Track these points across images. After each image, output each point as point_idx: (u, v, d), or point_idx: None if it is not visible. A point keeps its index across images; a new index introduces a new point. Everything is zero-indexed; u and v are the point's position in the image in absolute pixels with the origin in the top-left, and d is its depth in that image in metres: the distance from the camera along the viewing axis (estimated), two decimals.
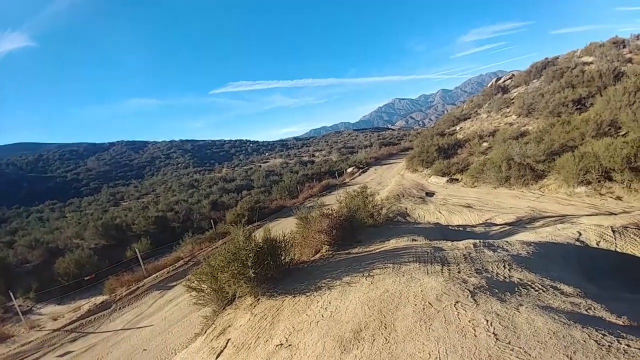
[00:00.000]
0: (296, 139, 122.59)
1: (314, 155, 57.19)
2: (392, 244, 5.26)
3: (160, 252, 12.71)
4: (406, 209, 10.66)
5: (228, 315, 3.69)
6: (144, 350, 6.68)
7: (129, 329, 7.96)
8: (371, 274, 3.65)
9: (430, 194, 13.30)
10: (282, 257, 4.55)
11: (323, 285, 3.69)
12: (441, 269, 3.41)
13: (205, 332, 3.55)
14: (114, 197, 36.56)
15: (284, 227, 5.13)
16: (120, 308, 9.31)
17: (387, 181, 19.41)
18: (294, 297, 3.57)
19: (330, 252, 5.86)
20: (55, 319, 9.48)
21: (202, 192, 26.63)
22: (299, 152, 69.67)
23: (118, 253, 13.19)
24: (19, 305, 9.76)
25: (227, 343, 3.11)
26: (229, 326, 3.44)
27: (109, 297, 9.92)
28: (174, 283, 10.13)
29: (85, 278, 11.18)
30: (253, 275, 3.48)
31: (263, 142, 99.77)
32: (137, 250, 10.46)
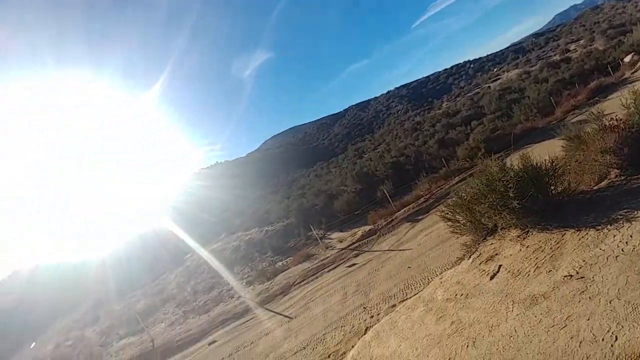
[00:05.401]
0: (536, 35, 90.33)
1: (568, 51, 41.04)
2: None
3: (400, 192, 14.50)
4: None
5: (492, 245, 3.73)
6: (409, 267, 8.15)
7: (393, 250, 9.93)
8: None
9: None
10: (552, 188, 3.86)
11: (619, 217, 3.03)
12: None
13: (471, 258, 3.81)
14: (357, 152, 44.91)
15: (539, 154, 4.27)
16: (383, 235, 11.74)
17: None
18: (577, 230, 3.13)
19: (622, 178, 4.32)
20: (341, 242, 13.44)
21: (426, 133, 26.85)
22: (543, 52, 52.23)
23: (371, 193, 16.37)
24: (316, 234, 14.62)
25: (499, 268, 3.22)
26: (496, 254, 3.49)
27: (373, 227, 12.71)
28: (421, 217, 11.35)
29: (355, 212, 14.94)
30: (518, 206, 3.23)
31: (487, 56, 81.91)
32: (385, 191, 12.58)
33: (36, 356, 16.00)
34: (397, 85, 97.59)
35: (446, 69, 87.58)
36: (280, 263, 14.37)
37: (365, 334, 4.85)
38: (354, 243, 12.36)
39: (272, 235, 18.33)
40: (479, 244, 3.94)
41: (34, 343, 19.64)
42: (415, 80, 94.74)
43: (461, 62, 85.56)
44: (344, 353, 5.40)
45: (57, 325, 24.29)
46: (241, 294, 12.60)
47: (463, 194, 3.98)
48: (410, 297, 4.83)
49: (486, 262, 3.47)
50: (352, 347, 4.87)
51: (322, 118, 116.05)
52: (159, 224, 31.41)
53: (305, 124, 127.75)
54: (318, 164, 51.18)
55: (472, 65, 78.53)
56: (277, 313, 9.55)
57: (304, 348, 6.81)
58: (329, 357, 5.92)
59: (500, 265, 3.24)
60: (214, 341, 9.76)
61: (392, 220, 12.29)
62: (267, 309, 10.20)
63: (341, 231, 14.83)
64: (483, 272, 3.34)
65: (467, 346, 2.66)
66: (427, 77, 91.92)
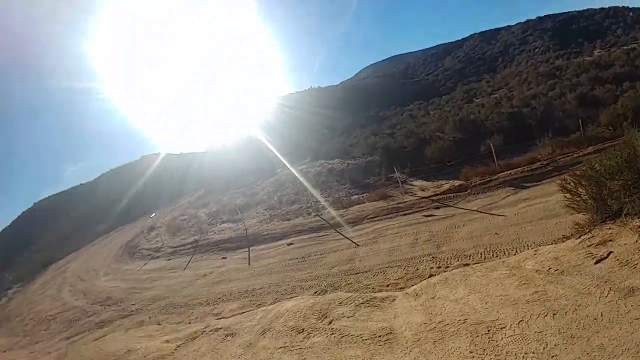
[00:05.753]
0: None
1: None
2: None
3: (512, 150, 12.45)
4: None
5: (609, 229, 3.21)
6: (496, 234, 7.46)
7: (482, 212, 9.09)
8: None
9: None
10: None
11: None
12: None
13: (580, 238, 3.31)
14: (467, 94, 38.92)
15: None
16: (474, 193, 10.73)
17: None
18: None
19: None
20: (423, 190, 12.81)
21: (566, 84, 21.10)
22: None
23: (472, 146, 14.59)
24: (397, 177, 14.17)
25: (608, 254, 2.88)
26: (610, 240, 3.07)
27: (465, 183, 11.66)
28: (529, 184, 9.80)
29: (448, 163, 13.80)
30: None
31: None
32: (491, 145, 10.98)
33: (154, 223, 21.45)
34: (541, 15, 74.74)
35: (603, 8, 64.10)
36: (356, 196, 14.96)
37: (429, 278, 4.96)
38: (437, 194, 11.75)
39: (353, 168, 18.78)
40: (594, 225, 3.36)
41: (154, 213, 26.23)
42: (565, 13, 70.82)
43: (620, 5, 61.78)
44: (402, 288, 5.72)
45: (177, 203, 32.12)
46: (317, 213, 13.95)
47: (596, 165, 3.25)
48: (489, 262, 4.57)
49: (596, 245, 3.08)
50: (412, 285, 5.09)
51: (432, 47, 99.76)
52: (258, 135, 35.49)
53: (410, 53, 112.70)
54: (416, 103, 46.89)
55: (630, 14, 56.38)
56: (346, 237, 10.40)
57: (366, 272, 7.47)
58: (387, 286, 6.40)
59: (610, 252, 2.88)
60: (292, 243, 11.49)
61: (491, 180, 10.98)
62: (338, 232, 11.17)
63: (426, 180, 14.14)
64: (589, 255, 3.00)
65: (545, 315, 2.63)
66: (580, 11, 68.10)
